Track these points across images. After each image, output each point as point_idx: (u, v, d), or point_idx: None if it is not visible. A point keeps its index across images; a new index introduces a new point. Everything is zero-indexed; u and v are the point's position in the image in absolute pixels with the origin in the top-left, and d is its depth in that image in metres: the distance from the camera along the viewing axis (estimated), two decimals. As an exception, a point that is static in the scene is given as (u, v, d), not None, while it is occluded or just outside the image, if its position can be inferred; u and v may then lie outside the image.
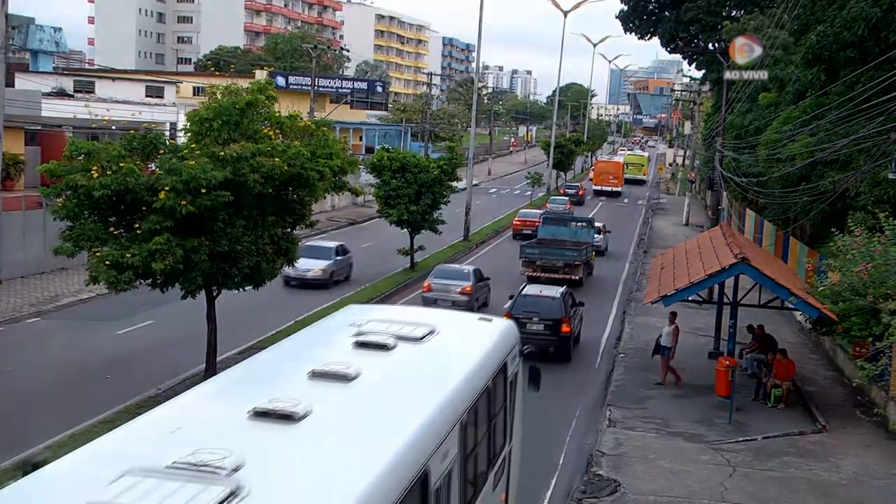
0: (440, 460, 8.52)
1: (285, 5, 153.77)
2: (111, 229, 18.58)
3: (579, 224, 41.00)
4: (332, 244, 35.26)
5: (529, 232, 46.61)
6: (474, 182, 58.98)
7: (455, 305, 27.42)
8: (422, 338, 10.79)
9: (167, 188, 17.58)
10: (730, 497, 16.06)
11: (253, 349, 23.98)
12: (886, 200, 26.75)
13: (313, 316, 26.61)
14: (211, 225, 18.62)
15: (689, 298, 22.87)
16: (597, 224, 43.70)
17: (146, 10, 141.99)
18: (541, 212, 50.92)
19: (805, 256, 31.28)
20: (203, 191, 17.69)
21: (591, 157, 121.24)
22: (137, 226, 18.09)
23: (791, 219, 33.61)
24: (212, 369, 21.07)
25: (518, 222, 50.73)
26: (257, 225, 19.72)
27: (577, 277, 35.30)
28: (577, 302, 27.08)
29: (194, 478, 6.35)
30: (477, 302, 29.37)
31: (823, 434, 19.76)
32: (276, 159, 18.91)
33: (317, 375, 8.87)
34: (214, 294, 20.93)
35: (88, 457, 7.08)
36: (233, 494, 6.18)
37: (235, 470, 6.53)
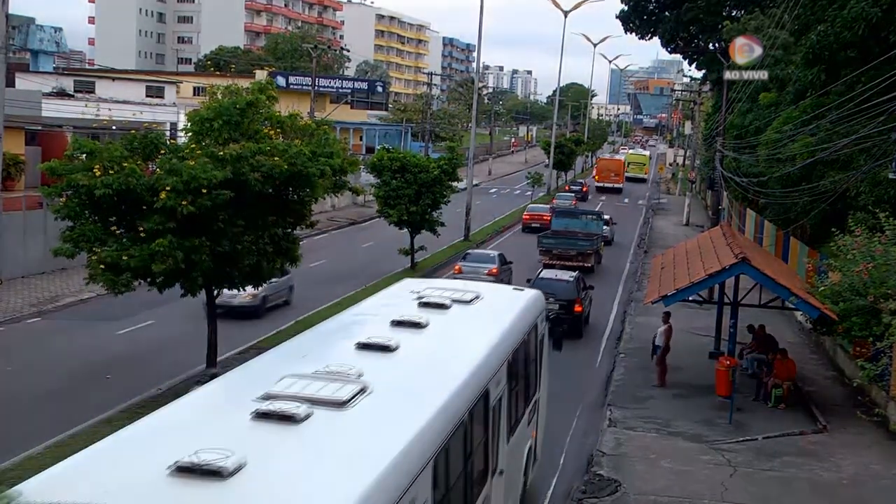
0: (495, 385, 11.71)
1: (285, 5, 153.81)
2: (112, 229, 18.56)
3: (589, 217, 44.67)
4: None
5: (538, 225, 50.12)
6: (474, 182, 59.08)
7: None
8: (470, 301, 13.85)
9: (168, 188, 17.58)
10: (730, 497, 16.06)
11: (253, 349, 23.99)
12: (887, 200, 26.74)
13: (313, 316, 26.64)
14: (211, 225, 18.62)
15: (690, 298, 22.87)
16: (605, 216, 47.35)
17: (146, 10, 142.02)
18: (548, 206, 55.37)
19: (805, 256, 31.28)
20: (204, 191, 17.69)
21: (592, 156, 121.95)
22: (141, 228, 18.07)
23: (791, 219, 33.62)
24: (212, 368, 21.08)
25: (528, 216, 53.86)
26: (257, 225, 19.70)
27: (589, 264, 38.74)
28: (587, 286, 30.06)
29: (333, 380, 9.19)
30: (501, 282, 30.41)
31: (824, 434, 19.76)
32: (277, 158, 18.92)
33: (396, 324, 11.94)
34: (215, 294, 20.93)
35: (247, 375, 10.14)
36: (362, 391, 9.08)
37: (360, 375, 9.50)
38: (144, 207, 18.16)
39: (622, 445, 18.41)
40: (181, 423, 8.55)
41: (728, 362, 21.37)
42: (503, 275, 32.76)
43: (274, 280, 25.74)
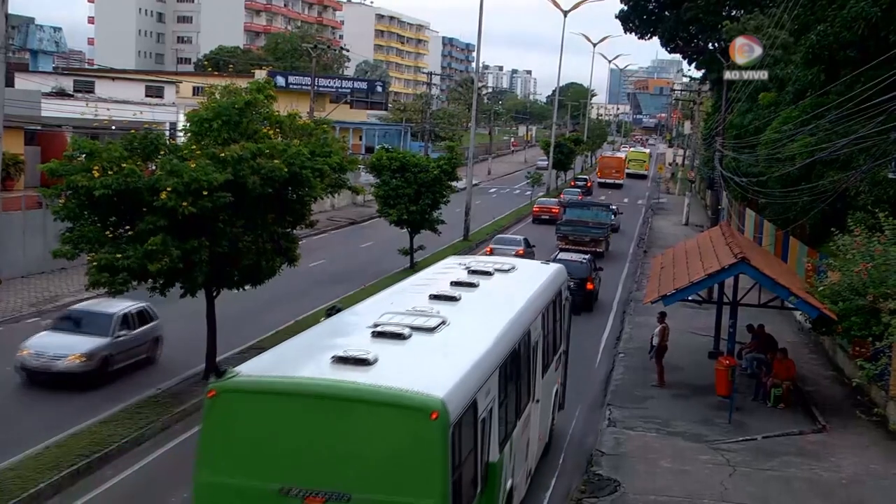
0: (533, 330, 15.22)
1: (285, 5, 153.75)
2: (111, 230, 18.54)
3: (599, 208, 49.75)
4: (118, 309, 21.20)
5: (547, 217, 55.55)
6: (474, 182, 59.19)
7: None
8: (508, 270, 17.40)
9: (168, 189, 17.58)
10: (730, 497, 16.06)
11: (253, 349, 23.94)
12: (886, 200, 26.75)
13: (312, 316, 26.64)
14: (211, 226, 18.62)
15: (689, 298, 22.89)
16: (612, 207, 52.79)
17: (146, 10, 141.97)
18: (556, 200, 60.79)
19: (805, 256, 31.27)
20: (205, 193, 17.68)
21: (591, 156, 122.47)
22: (128, 227, 18.07)
23: (791, 218, 33.60)
24: (212, 369, 21.07)
25: (538, 209, 58.92)
26: (257, 225, 19.71)
27: (600, 250, 43.53)
28: (597, 267, 34.27)
29: (420, 316, 12.65)
30: None
31: (823, 434, 19.76)
32: (277, 161, 18.92)
33: (454, 284, 15.38)
34: (214, 294, 20.93)
35: (356, 314, 13.70)
36: (443, 323, 12.55)
37: (438, 314, 12.89)
38: (145, 209, 18.17)
39: (621, 445, 18.41)
40: (323, 338, 12.32)
41: (727, 362, 21.37)
42: (528, 256, 35.62)
43: (123, 332, 20.75)
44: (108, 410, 18.62)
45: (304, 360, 11.37)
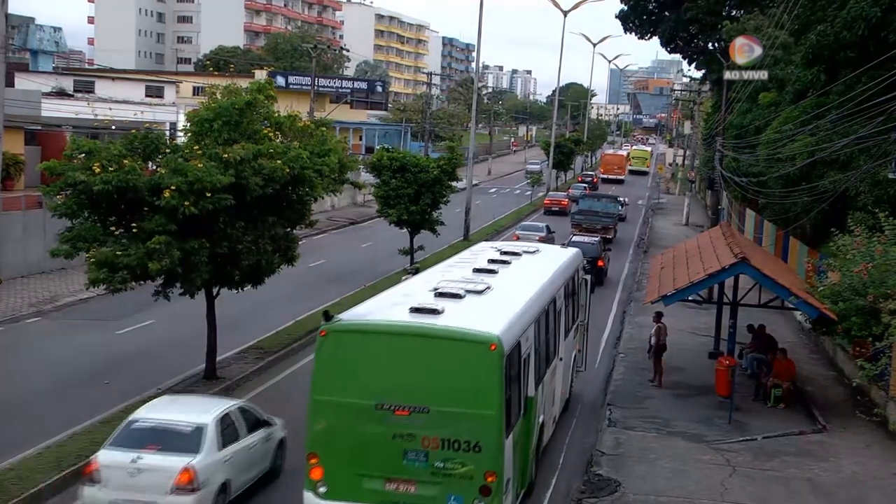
0: (559, 298, 18.70)
1: (285, 5, 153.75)
2: (111, 229, 18.49)
3: (609, 199, 57.02)
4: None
5: (557, 209, 63.00)
6: (474, 182, 59.26)
7: None
8: (534, 252, 20.79)
9: (172, 188, 17.54)
10: (729, 497, 16.06)
11: (253, 349, 24.05)
12: (886, 200, 26.75)
13: (312, 316, 26.64)
14: (211, 226, 18.60)
15: (689, 298, 22.87)
16: (620, 199, 60.26)
17: (146, 10, 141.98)
18: (565, 194, 69.41)
19: (805, 256, 31.28)
20: (207, 194, 17.66)
21: (591, 156, 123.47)
22: (134, 225, 18.02)
23: (791, 218, 33.58)
24: (212, 369, 21.09)
25: (549, 201, 65.67)
26: (257, 225, 19.70)
27: (610, 236, 49.07)
28: (607, 248, 41.07)
29: (469, 282, 15.77)
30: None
31: (823, 434, 19.76)
32: (278, 161, 18.91)
33: (490, 261, 18.40)
34: (214, 294, 20.92)
35: (418, 281, 16.94)
36: (488, 288, 15.60)
37: (483, 281, 16.09)
38: (146, 209, 18.13)
39: (621, 445, 18.41)
40: (397, 297, 15.20)
41: (727, 362, 21.37)
42: (548, 240, 39.41)
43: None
44: (108, 410, 18.62)
45: (388, 310, 14.32)
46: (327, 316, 13.42)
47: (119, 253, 17.72)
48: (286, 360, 23.62)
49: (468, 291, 15.10)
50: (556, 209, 62.81)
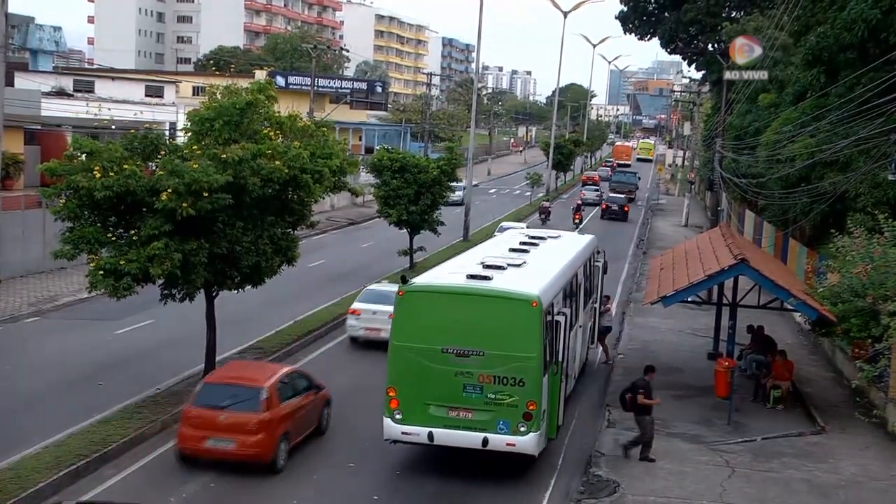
0: (580, 275, 22.16)
1: (285, 5, 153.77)
2: (111, 233, 18.47)
3: (630, 174, 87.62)
4: None
5: (591, 183, 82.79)
6: (474, 182, 59.23)
7: None
8: (557, 237, 24.51)
9: (169, 189, 17.53)
10: (729, 498, 16.07)
11: (253, 349, 24.05)
12: (886, 202, 26.74)
13: (312, 316, 26.60)
14: (210, 227, 18.59)
15: (689, 299, 22.88)
16: (637, 175, 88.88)
17: (146, 10, 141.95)
18: (596, 172, 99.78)
19: (804, 257, 31.28)
20: (205, 194, 17.65)
21: (591, 156, 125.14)
22: (133, 231, 18.01)
23: (790, 220, 33.59)
24: (211, 369, 21.06)
25: (585, 178, 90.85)
26: (256, 225, 19.69)
27: (633, 196, 77.21)
28: (630, 199, 71.70)
29: (509, 258, 19.22)
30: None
31: (822, 435, 19.77)
32: (277, 162, 18.90)
33: (522, 243, 21.74)
34: (213, 294, 20.91)
35: (466, 257, 20.56)
36: (525, 262, 19.17)
37: (520, 257, 19.73)
38: (145, 209, 18.12)
39: (621, 446, 18.39)
40: (453, 268, 18.41)
41: (727, 363, 21.38)
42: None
43: None
44: (108, 410, 18.62)
45: (450, 276, 17.57)
46: (404, 280, 16.95)
47: (122, 262, 17.69)
48: (286, 361, 23.62)
49: (509, 264, 18.30)
50: (590, 183, 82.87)
